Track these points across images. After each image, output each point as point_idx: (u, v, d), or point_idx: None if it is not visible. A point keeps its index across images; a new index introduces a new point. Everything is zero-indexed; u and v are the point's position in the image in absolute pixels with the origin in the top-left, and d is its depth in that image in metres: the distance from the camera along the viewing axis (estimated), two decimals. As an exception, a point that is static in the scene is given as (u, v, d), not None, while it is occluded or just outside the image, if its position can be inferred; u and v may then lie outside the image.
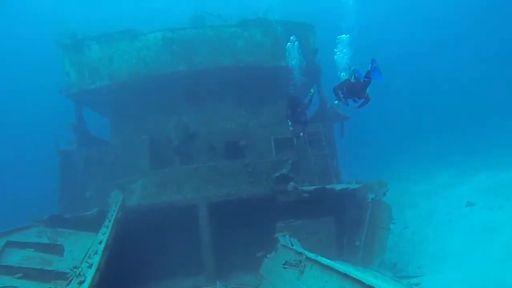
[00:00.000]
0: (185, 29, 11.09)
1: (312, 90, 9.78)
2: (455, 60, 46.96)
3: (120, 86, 10.99)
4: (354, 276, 4.56)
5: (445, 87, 50.90)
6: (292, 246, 7.38)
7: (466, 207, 11.93)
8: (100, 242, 6.05)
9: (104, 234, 6.41)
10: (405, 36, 42.05)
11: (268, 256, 8.13)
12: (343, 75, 8.38)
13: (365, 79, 7.42)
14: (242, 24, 11.61)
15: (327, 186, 8.83)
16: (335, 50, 9.42)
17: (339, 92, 8.12)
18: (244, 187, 9.05)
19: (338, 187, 8.88)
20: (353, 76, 7.61)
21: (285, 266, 6.57)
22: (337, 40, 9.56)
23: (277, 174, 9.00)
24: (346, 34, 9.57)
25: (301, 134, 9.88)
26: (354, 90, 7.70)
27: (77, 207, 10.49)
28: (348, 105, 8.27)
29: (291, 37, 10.98)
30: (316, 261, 5.72)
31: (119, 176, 9.94)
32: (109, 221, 7.03)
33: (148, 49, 10.87)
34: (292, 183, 8.80)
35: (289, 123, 9.91)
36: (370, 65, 7.34)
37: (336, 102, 8.36)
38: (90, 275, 4.75)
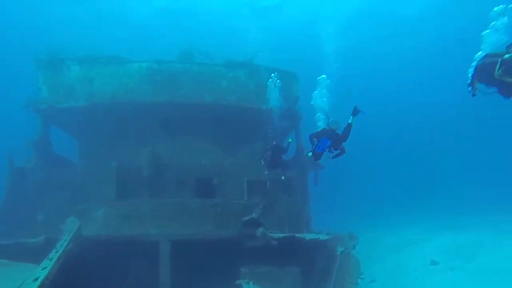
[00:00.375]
0: (171, 63, 11.22)
1: (290, 139, 9.95)
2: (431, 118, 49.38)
3: (96, 108, 10.72)
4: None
5: (419, 143, 53.32)
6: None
7: (430, 265, 12.08)
8: (36, 279, 5.25)
9: (44, 269, 5.64)
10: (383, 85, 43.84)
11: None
12: (320, 125, 8.63)
13: (343, 133, 7.69)
14: (228, 65, 11.90)
15: (297, 235, 8.66)
16: (314, 92, 9.78)
17: (315, 140, 8.22)
18: (211, 228, 8.74)
19: (308, 236, 8.72)
20: (330, 127, 7.87)
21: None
22: (317, 82, 9.96)
23: (246, 218, 8.79)
24: (325, 76, 9.97)
25: (283, 177, 9.94)
26: (331, 140, 7.84)
27: (22, 231, 9.64)
28: (321, 156, 8.26)
29: (272, 75, 11.31)
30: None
31: (80, 202, 9.42)
32: (56, 252, 6.38)
33: (131, 77, 10.83)
34: (261, 229, 8.58)
35: (265, 167, 10.00)
36: (350, 117, 7.61)
37: (310, 154, 8.31)
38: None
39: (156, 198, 9.49)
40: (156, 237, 8.41)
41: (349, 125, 7.68)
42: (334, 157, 8.23)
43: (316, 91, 9.77)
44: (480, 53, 5.47)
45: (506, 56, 4.65)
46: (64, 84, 10.70)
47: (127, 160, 10.82)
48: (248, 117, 12.12)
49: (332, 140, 7.85)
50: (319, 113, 8.89)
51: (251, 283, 7.87)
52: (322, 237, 8.90)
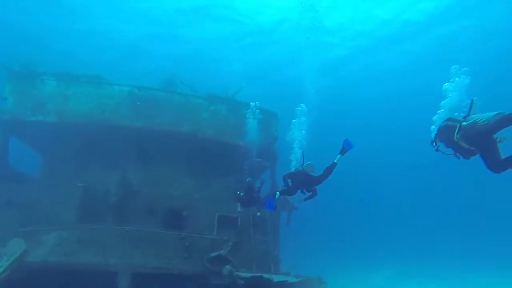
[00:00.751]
0: (153, 90, 11.25)
1: (262, 180, 10.01)
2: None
3: (67, 126, 10.39)
4: None
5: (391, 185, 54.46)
6: None
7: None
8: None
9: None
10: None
11: None
12: (294, 165, 8.65)
13: (322, 175, 7.67)
14: (209, 98, 12.08)
15: (264, 275, 8.38)
16: (292, 121, 10.01)
17: (288, 181, 8.27)
18: (176, 262, 8.30)
19: (276, 278, 8.47)
20: (305, 170, 7.91)
21: None
22: (295, 112, 10.22)
23: (214, 254, 8.48)
24: (304, 105, 10.25)
25: (258, 213, 9.86)
26: (305, 183, 7.90)
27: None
28: (294, 195, 8.36)
29: (251, 103, 11.58)
30: None
31: (30, 223, 8.72)
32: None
33: (110, 99, 10.71)
34: (228, 267, 8.26)
35: (239, 203, 9.89)
36: (337, 156, 7.54)
37: (277, 194, 8.32)
38: None
39: (120, 225, 8.98)
40: (116, 267, 7.85)
41: (334, 165, 7.54)
42: (305, 199, 8.24)
43: (295, 120, 10.03)
44: (438, 114, 5.99)
45: (464, 123, 5.11)
46: (35, 97, 10.39)
47: (94, 183, 10.35)
48: (224, 152, 12.13)
49: (305, 183, 7.88)
50: (295, 151, 8.97)
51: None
52: (291, 279, 8.69)
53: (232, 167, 12.39)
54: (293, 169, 8.40)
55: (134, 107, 10.85)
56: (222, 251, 8.60)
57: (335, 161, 7.53)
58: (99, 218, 9.43)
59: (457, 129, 5.16)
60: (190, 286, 8.47)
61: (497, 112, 4.74)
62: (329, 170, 7.61)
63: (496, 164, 4.80)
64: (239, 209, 10.09)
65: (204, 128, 11.58)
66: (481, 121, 4.89)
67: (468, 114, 5.29)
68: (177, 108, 11.39)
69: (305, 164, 8.04)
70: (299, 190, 8.10)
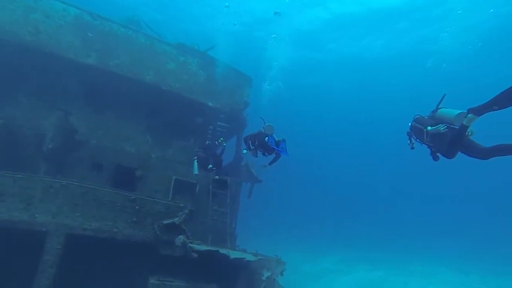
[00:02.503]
0: (112, 22, 9.63)
1: (221, 139, 9.23)
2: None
3: None
4: None
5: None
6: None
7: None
8: None
9: None
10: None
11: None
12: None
13: (275, 148, 7.78)
14: (179, 47, 10.76)
15: (221, 250, 7.66)
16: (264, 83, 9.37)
17: (249, 142, 8.35)
18: (122, 226, 7.25)
19: (233, 254, 7.79)
20: (266, 131, 7.85)
21: None
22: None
23: (166, 222, 7.52)
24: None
25: (216, 176, 9.50)
26: (264, 147, 7.96)
27: None
28: (256, 156, 8.46)
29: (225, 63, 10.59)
30: None
31: None
32: None
33: (48, 18, 8.83)
34: (181, 237, 7.41)
35: (196, 165, 9.33)
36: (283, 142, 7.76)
37: (245, 151, 8.47)
38: None
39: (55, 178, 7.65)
40: (45, 226, 6.61)
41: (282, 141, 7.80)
42: (270, 163, 8.33)
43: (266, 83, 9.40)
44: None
45: (429, 128, 5.15)
46: None
47: (23, 121, 8.74)
48: (190, 110, 11.04)
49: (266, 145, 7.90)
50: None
51: (159, 300, 6.59)
52: (248, 257, 8.05)
53: (196, 128, 11.36)
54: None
55: (84, 37, 9.19)
56: (176, 219, 7.66)
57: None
58: (27, 166, 7.99)
59: (424, 134, 5.27)
60: (136, 255, 7.52)
61: (460, 111, 4.75)
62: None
63: (480, 154, 4.69)
64: (196, 172, 9.27)
65: (169, 81, 10.32)
66: (442, 128, 4.93)
67: (436, 109, 5.35)
68: (139, 51, 9.97)
69: (265, 125, 7.92)
70: (261, 153, 8.27)
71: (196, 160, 9.62)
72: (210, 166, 9.45)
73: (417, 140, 5.73)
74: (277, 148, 7.78)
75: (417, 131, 5.57)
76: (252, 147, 8.42)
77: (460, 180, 49.57)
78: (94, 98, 9.84)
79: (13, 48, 8.69)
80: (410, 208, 54.07)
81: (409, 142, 5.92)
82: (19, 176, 6.73)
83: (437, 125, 5.04)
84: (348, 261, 21.18)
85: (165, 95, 10.38)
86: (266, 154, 8.23)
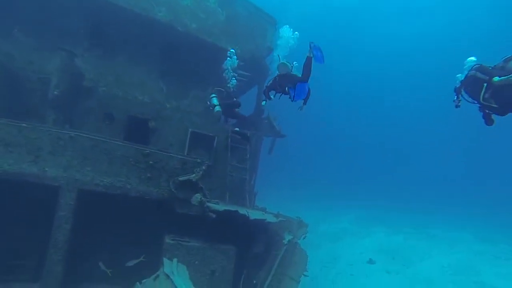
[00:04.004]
0: None
1: (263, 102, 8.49)
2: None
3: None
4: None
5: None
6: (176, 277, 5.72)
7: (367, 263, 12.05)
8: None
9: None
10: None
11: (143, 281, 6.27)
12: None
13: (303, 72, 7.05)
14: (196, -19, 9.67)
15: (240, 211, 7.36)
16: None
17: (269, 94, 7.85)
18: (136, 182, 6.97)
19: (253, 215, 7.50)
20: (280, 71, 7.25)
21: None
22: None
23: (182, 178, 7.19)
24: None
25: (237, 128, 9.04)
26: (287, 81, 7.31)
27: None
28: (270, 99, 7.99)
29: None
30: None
31: None
32: None
33: None
34: (198, 195, 7.12)
35: (216, 107, 9.03)
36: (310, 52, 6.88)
37: (264, 103, 8.12)
38: None
39: (63, 129, 7.31)
40: (57, 180, 6.39)
41: (309, 59, 7.01)
42: (304, 102, 7.77)
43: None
44: (472, 58, 5.10)
45: (495, 79, 4.32)
46: None
47: (23, 63, 8.17)
48: (208, 55, 10.25)
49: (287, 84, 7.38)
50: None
51: (175, 260, 6.48)
52: (269, 218, 7.76)
53: (214, 76, 10.65)
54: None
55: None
56: (193, 175, 7.32)
57: (308, 55, 7.01)
58: (32, 114, 7.63)
59: (484, 88, 4.48)
60: (150, 213, 7.34)
61: None
62: (307, 66, 7.07)
63: None
64: (218, 109, 9.04)
65: (184, 19, 9.43)
66: None
67: (504, 64, 4.45)
68: (151, -16, 8.98)
69: (277, 65, 7.41)
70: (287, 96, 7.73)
71: (215, 96, 9.02)
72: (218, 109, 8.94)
73: (469, 96, 4.94)
74: (294, 97, 7.26)
75: (474, 84, 4.72)
76: (272, 97, 7.97)
77: (491, 140, 47.81)
78: (101, 39, 9.15)
79: None
80: (428, 169, 53.22)
81: (455, 98, 5.16)
82: (24, 125, 6.37)
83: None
84: (364, 220, 21.12)
85: (179, 36, 9.58)
86: (292, 97, 7.65)
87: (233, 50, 9.50)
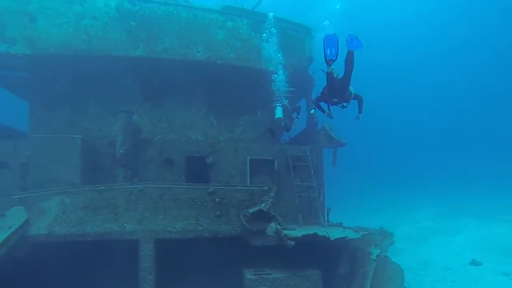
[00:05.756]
0: (150, 3, 9.16)
1: (312, 110, 8.31)
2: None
3: (45, 60, 8.72)
4: None
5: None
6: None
7: (470, 265, 10.74)
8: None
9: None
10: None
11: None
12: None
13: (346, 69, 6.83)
14: (225, 12, 9.92)
15: (319, 232, 7.09)
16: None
17: (319, 104, 7.77)
18: (207, 223, 7.05)
19: (333, 235, 7.18)
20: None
21: None
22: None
23: (253, 210, 7.13)
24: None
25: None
26: (336, 87, 7.15)
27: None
28: (332, 117, 8.02)
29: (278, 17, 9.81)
30: None
31: (32, 186, 7.72)
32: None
33: (95, 19, 8.76)
34: (273, 225, 7.00)
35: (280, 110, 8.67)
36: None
37: (313, 111, 8.16)
38: None
39: (132, 182, 7.73)
40: (135, 234, 6.71)
41: (350, 53, 6.71)
42: (359, 112, 7.61)
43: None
44: None
45: None
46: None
47: (95, 132, 9.07)
48: (250, 80, 10.34)
49: (335, 91, 7.23)
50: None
51: (262, 296, 6.35)
52: (351, 235, 7.38)
53: (261, 98, 10.69)
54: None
55: (129, 29, 8.92)
56: (262, 205, 7.24)
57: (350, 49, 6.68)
58: (106, 175, 8.23)
59: None
60: (225, 250, 7.35)
61: None
62: (349, 60, 6.79)
63: None
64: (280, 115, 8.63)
65: (221, 52, 9.66)
66: None
67: None
68: (184, 27, 9.41)
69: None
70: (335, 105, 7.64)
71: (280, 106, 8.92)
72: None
73: None
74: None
75: None
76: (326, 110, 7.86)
77: None
78: (151, 92, 9.79)
79: (71, 61, 8.90)
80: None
81: None
82: (103, 187, 6.87)
83: None
84: (446, 213, 19.23)
85: (219, 69, 9.82)
86: (345, 104, 7.57)
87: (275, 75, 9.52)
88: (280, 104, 8.77)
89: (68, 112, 9.58)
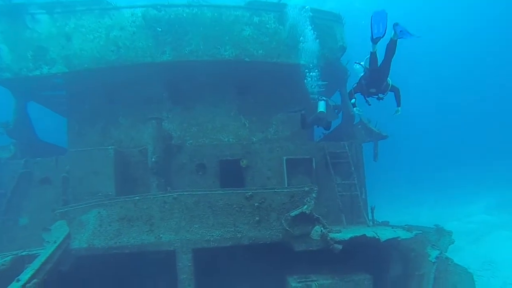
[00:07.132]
0: (175, 7, 9.07)
1: (353, 100, 7.93)
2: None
3: (80, 75, 8.87)
4: None
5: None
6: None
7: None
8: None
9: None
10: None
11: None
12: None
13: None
14: (251, 7, 9.61)
15: (367, 234, 6.58)
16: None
17: (354, 95, 7.79)
18: (246, 229, 6.73)
19: (383, 235, 6.64)
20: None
21: None
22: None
23: (295, 213, 6.72)
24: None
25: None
26: (374, 75, 7.01)
27: (4, 240, 8.17)
28: (370, 104, 7.75)
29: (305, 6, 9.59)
30: None
31: (73, 200, 7.85)
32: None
33: (123, 30, 8.83)
34: (318, 228, 6.56)
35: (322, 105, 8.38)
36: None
37: (353, 100, 7.92)
38: None
39: (165, 190, 7.60)
40: (172, 245, 6.52)
41: (393, 42, 6.47)
42: (398, 103, 7.57)
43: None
44: None
45: None
46: (32, 42, 8.73)
47: (126, 141, 9.09)
48: (281, 76, 9.99)
49: (372, 82, 7.13)
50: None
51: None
52: (403, 234, 6.80)
53: (294, 95, 10.29)
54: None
55: (155, 35, 8.86)
56: (305, 207, 6.79)
57: (393, 38, 6.46)
58: (139, 185, 8.18)
59: None
60: (267, 257, 7.01)
61: None
62: (390, 49, 6.58)
63: None
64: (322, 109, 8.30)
65: (250, 49, 9.36)
66: None
67: None
68: (210, 27, 9.20)
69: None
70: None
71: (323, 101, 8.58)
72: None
73: None
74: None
75: None
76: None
77: None
78: (179, 96, 9.73)
79: (102, 73, 9.06)
80: None
81: None
82: (137, 198, 6.76)
83: None
84: (505, 205, 17.73)
85: (249, 67, 9.55)
86: (381, 95, 7.47)
87: (307, 71, 9.16)
88: (324, 99, 8.40)
89: (102, 125, 9.76)
